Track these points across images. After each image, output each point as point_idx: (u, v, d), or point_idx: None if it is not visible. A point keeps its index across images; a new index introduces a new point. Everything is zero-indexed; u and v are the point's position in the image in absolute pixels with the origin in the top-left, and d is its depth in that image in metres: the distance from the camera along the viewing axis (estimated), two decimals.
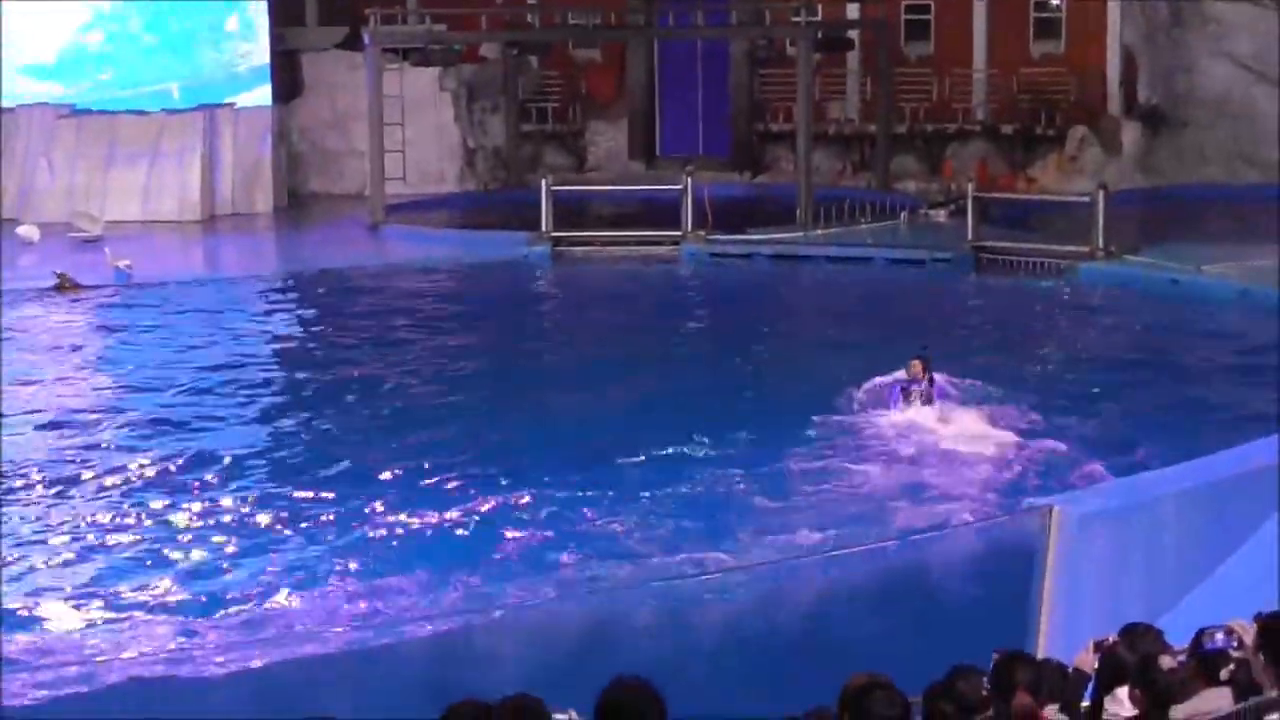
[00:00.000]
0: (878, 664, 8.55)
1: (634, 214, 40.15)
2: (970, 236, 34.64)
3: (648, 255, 36.26)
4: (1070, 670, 9.60)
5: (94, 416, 23.35)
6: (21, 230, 37.87)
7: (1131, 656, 9.48)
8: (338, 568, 16.73)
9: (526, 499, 18.71)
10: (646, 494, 18.92)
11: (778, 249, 36.27)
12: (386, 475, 19.71)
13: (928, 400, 22.20)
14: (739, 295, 32.93)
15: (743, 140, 47.11)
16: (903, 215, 39.17)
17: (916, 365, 22.40)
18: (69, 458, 21.01)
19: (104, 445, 21.61)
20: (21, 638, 14.94)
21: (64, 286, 32.11)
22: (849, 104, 46.57)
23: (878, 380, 22.63)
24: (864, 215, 38.39)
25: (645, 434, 21.22)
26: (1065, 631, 13.42)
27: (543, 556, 16.86)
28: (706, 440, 21.01)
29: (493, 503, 18.57)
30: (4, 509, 18.69)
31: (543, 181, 37.58)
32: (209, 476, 19.97)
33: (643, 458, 20.35)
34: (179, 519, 18.42)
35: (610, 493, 18.93)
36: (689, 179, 36.76)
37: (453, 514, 18.23)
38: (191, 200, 41.89)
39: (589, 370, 25.95)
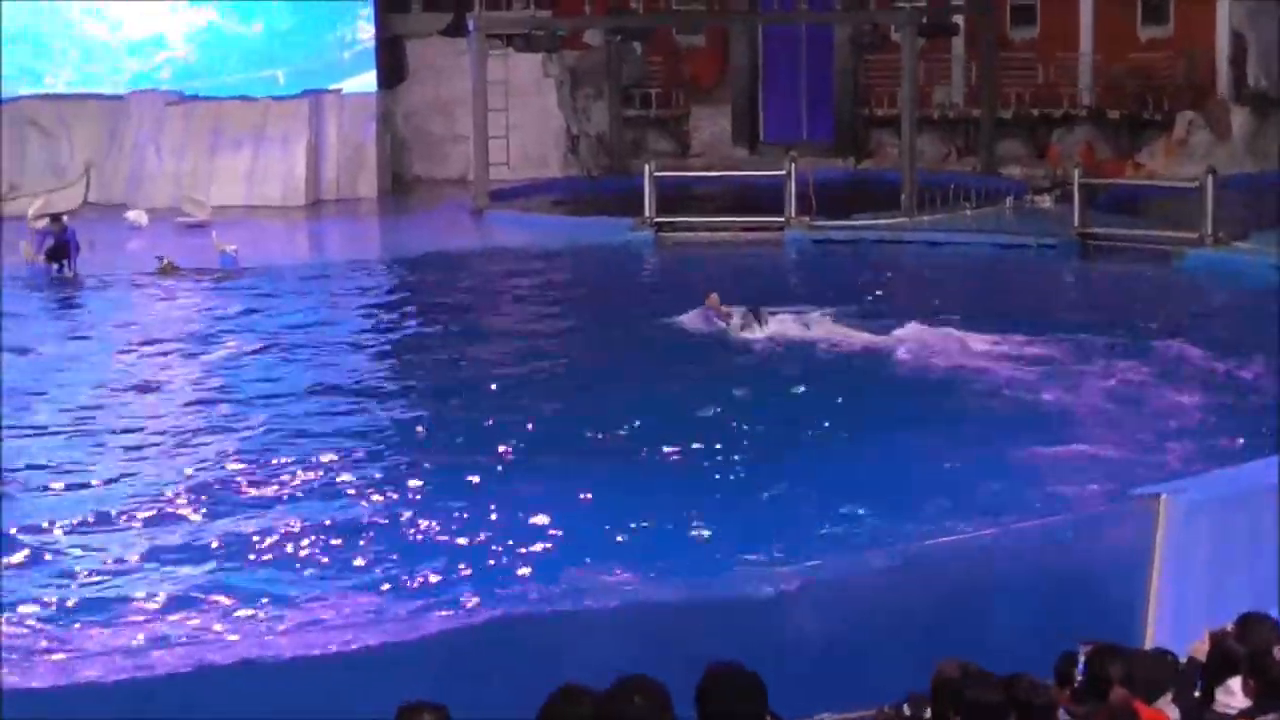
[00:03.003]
0: (986, 651, 8.50)
1: (737, 199, 40.12)
2: (1076, 222, 34.46)
3: (751, 240, 36.24)
4: (1184, 660, 9.53)
5: (209, 394, 23.58)
6: (130, 215, 38.35)
7: (1243, 647, 9.39)
8: (471, 543, 16.79)
9: (643, 476, 18.88)
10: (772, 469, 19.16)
11: (882, 234, 36.20)
12: (505, 454, 19.75)
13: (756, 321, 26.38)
14: (843, 280, 32.77)
15: (846, 125, 47.00)
16: (1007, 201, 39.05)
17: (713, 297, 27.10)
18: (187, 436, 21.16)
19: (211, 429, 21.68)
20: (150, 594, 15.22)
21: (167, 270, 32.45)
22: (954, 89, 46.42)
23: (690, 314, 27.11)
24: (968, 201, 38.28)
25: (761, 414, 21.59)
26: (1174, 620, 13.32)
27: (654, 541, 16.84)
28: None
29: (620, 480, 18.68)
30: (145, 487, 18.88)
31: (646, 167, 37.64)
32: (327, 457, 20.00)
33: (763, 435, 20.73)
34: (298, 498, 18.51)
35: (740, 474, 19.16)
36: (792, 164, 36.67)
37: (587, 494, 18.19)
38: (296, 185, 42.20)
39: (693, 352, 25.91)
